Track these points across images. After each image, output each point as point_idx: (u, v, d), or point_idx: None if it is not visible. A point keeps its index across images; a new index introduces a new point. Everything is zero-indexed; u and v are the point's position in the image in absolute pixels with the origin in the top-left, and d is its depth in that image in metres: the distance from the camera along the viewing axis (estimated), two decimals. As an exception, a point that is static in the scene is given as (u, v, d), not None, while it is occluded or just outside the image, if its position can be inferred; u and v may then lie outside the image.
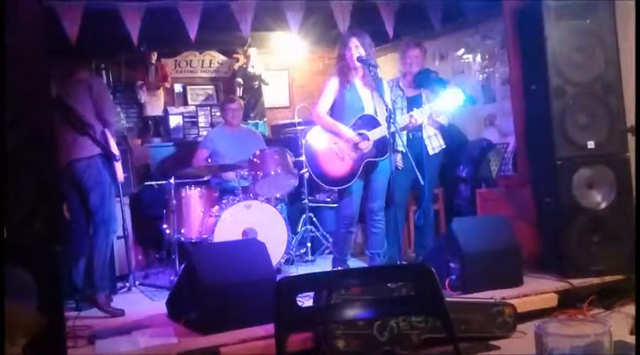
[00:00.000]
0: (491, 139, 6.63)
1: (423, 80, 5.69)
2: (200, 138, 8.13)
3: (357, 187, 5.14)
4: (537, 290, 4.61)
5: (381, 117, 5.03)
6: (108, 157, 4.93)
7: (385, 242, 5.28)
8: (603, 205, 4.91)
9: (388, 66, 7.62)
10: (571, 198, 4.88)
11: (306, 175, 6.14)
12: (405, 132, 5.50)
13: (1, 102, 3.09)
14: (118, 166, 4.99)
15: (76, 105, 4.87)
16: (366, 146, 5.02)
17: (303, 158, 5.23)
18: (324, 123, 5.13)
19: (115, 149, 4.97)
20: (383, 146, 4.99)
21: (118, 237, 5.58)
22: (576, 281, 4.71)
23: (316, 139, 5.16)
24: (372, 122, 5.07)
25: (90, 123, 4.88)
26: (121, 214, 5.52)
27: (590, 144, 4.90)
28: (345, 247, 5.33)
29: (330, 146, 5.08)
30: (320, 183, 5.17)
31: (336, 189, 5.21)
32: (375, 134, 5.02)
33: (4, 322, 2.87)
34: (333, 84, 5.16)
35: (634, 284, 4.55)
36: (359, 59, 5.02)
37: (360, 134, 5.03)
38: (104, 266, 4.88)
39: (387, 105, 4.86)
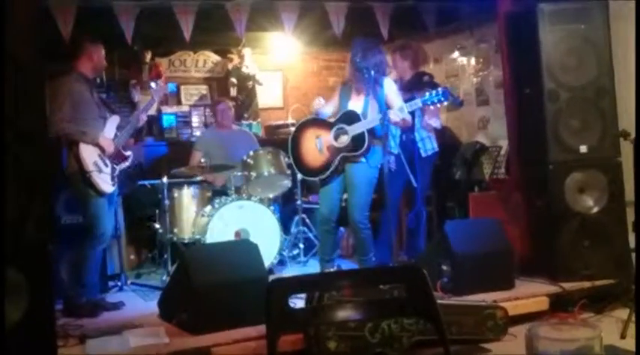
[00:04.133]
0: (484, 142, 6.64)
1: (416, 83, 5.70)
2: (193, 139, 8.11)
3: (335, 188, 5.17)
4: (529, 294, 4.64)
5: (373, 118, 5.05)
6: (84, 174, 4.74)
7: (372, 246, 5.25)
8: (595, 209, 4.93)
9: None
10: (563, 201, 4.90)
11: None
12: (398, 134, 5.51)
13: (1, 103, 3.08)
14: (103, 178, 4.80)
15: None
16: (344, 140, 5.01)
17: (289, 143, 5.32)
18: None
19: (86, 164, 4.71)
20: (360, 142, 4.98)
21: (110, 236, 5.56)
22: (567, 285, 4.73)
23: (303, 129, 5.29)
24: (352, 117, 5.05)
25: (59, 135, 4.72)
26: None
27: (583, 149, 4.93)
28: (326, 247, 5.33)
29: (311, 138, 5.19)
30: (297, 171, 5.39)
31: (313, 179, 5.35)
32: (353, 129, 5.00)
33: (4, 321, 2.86)
34: (337, 90, 5.33)
35: (625, 288, 4.58)
36: (353, 61, 5.04)
37: (339, 128, 5.04)
38: (90, 273, 4.85)
39: (381, 107, 4.86)
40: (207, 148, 6.61)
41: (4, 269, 3.02)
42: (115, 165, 4.92)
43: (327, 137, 5.10)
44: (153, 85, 5.84)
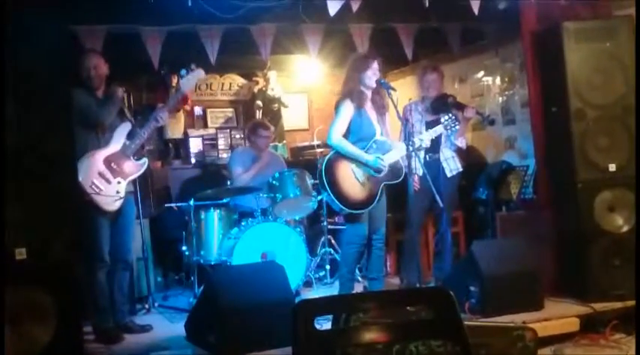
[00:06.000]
0: (511, 162, 6.60)
1: (442, 104, 5.68)
2: (219, 161, 8.16)
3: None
4: (558, 315, 4.57)
5: (392, 141, 5.13)
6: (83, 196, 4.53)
7: (384, 266, 5.25)
8: (625, 228, 4.86)
9: (406, 88, 7.65)
10: (592, 221, 4.84)
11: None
12: (422, 154, 5.50)
13: (1, 104, 3.11)
14: (102, 199, 4.60)
15: None
16: (384, 170, 5.02)
17: (323, 180, 5.04)
18: (343, 147, 5.06)
19: (82, 186, 4.47)
20: (397, 169, 5.08)
21: (138, 259, 5.60)
22: (598, 306, 4.65)
23: (335, 164, 5.03)
24: (385, 146, 5.06)
25: None
26: (141, 236, 5.52)
27: (612, 167, 4.87)
28: (356, 267, 5.35)
29: (349, 171, 5.02)
30: (342, 207, 4.98)
31: (357, 212, 5.12)
32: (390, 158, 5.02)
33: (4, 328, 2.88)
34: (348, 107, 5.04)
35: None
36: (379, 81, 5.03)
37: (376, 158, 5.01)
38: (102, 297, 4.77)
39: (405, 128, 4.86)
40: (244, 165, 6.54)
41: (34, 291, 3.06)
42: (120, 180, 4.69)
43: (364, 169, 5.03)
44: (183, 72, 5.02)
